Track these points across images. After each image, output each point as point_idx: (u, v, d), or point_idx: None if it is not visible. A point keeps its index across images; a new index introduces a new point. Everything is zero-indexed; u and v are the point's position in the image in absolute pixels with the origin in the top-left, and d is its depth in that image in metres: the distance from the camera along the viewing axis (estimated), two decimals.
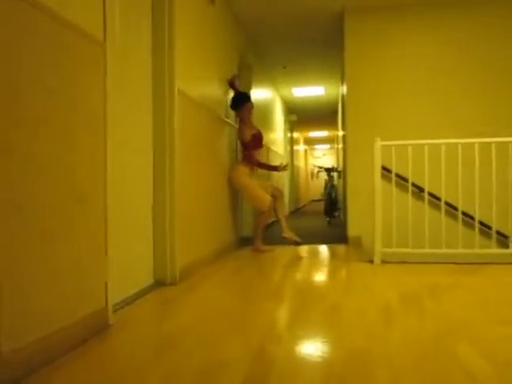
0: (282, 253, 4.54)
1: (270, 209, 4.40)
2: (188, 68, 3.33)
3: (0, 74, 1.44)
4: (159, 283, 2.96)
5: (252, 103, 4.71)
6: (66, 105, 1.79)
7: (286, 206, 5.16)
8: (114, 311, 2.20)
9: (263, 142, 4.82)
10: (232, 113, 4.77)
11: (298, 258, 4.23)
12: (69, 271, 1.80)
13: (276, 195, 4.55)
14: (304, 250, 4.78)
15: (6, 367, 1.44)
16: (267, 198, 4.35)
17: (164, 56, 2.97)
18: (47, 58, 1.68)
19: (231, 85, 4.61)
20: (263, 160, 5.16)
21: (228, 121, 4.58)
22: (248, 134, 4.54)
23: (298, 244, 4.53)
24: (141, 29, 2.82)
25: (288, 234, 4.52)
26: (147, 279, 2.90)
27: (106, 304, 2.08)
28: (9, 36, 1.48)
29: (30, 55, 1.59)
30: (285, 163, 5.07)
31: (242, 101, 4.60)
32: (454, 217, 4.19)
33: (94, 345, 1.85)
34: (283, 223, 4.51)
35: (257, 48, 6.35)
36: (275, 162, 8.38)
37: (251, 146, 4.53)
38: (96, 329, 1.98)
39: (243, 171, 4.47)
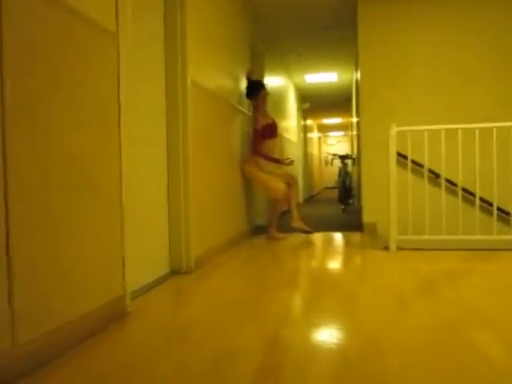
0: (297, 240, 4.55)
1: (284, 197, 4.40)
2: (200, 58, 3.32)
3: (17, 67, 1.46)
4: (175, 272, 2.99)
5: (266, 91, 4.70)
6: (79, 96, 1.80)
7: (299, 194, 5.09)
8: (132, 299, 2.23)
9: (277, 132, 4.78)
10: (246, 101, 4.76)
11: (309, 244, 4.23)
12: (88, 259, 1.83)
13: (290, 183, 4.54)
14: (318, 237, 4.78)
15: (23, 356, 1.47)
16: (281, 187, 4.35)
17: (176, 46, 2.96)
18: (61, 50, 1.69)
19: (248, 79, 4.67)
20: (277, 150, 5.13)
21: (241, 109, 4.57)
22: (261, 123, 4.54)
23: (307, 233, 4.52)
24: (153, 19, 2.82)
25: (297, 223, 4.49)
26: (163, 268, 2.93)
27: (124, 292, 2.12)
28: (26, 30, 1.49)
29: (44, 47, 1.60)
30: (291, 159, 5.00)
31: (256, 89, 4.61)
32: (471, 203, 4.14)
33: (112, 332, 1.88)
34: (294, 212, 4.51)
35: (270, 35, 6.30)
36: (288, 150, 8.37)
37: (261, 134, 4.52)
38: (114, 316, 2.01)
39: (255, 162, 4.46)
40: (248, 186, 4.72)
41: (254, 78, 4.89)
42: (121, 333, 1.89)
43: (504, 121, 3.78)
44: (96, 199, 1.91)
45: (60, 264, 1.66)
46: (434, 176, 4.34)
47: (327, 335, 1.83)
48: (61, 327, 1.64)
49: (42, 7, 1.59)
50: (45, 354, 1.55)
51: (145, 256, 2.64)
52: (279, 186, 4.36)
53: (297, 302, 2.39)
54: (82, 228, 1.81)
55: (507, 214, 4.00)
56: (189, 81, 3.00)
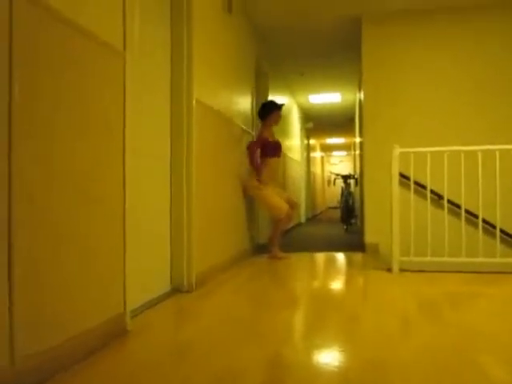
0: (299, 260, 4.52)
1: (287, 216, 4.39)
2: (206, 77, 3.36)
3: (25, 85, 1.47)
4: (176, 290, 2.97)
5: (280, 113, 4.64)
6: (86, 112, 1.82)
7: (292, 220, 5.06)
8: (132, 317, 2.21)
9: (281, 152, 4.76)
10: (251, 121, 4.80)
11: (309, 264, 4.21)
12: (87, 276, 1.82)
13: (291, 205, 4.55)
14: (321, 257, 4.76)
15: (21, 374, 1.45)
16: (284, 206, 4.35)
17: (182, 65, 3.00)
18: (69, 67, 1.71)
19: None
20: (281, 170, 5.17)
21: (246, 129, 4.60)
22: (262, 136, 4.53)
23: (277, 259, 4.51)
24: (159, 38, 2.86)
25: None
26: (164, 286, 2.91)
27: (125, 309, 2.10)
28: (32, 48, 1.52)
29: (53, 62, 1.62)
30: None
31: (270, 108, 4.59)
32: (474, 225, 4.12)
33: (112, 350, 1.86)
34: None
35: (273, 55, 6.38)
36: (292, 169, 8.39)
37: (261, 147, 4.49)
38: (114, 334, 1.99)
39: (257, 179, 4.42)
40: (251, 204, 4.72)
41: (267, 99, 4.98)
42: (121, 351, 1.87)
43: (507, 143, 3.79)
44: (98, 212, 1.91)
45: (60, 279, 1.65)
46: (437, 197, 4.34)
47: (329, 357, 1.80)
48: (60, 345, 1.63)
49: (52, 25, 1.61)
50: (44, 371, 1.53)
51: (146, 273, 2.63)
52: (282, 204, 4.36)
53: (298, 322, 2.37)
54: (83, 243, 1.80)
55: (510, 236, 3.98)
56: (194, 99, 3.03)
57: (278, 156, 4.63)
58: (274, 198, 4.39)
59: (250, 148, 4.44)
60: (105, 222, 1.95)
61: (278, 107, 4.59)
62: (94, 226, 1.87)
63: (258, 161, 4.43)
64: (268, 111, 4.56)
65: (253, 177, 4.47)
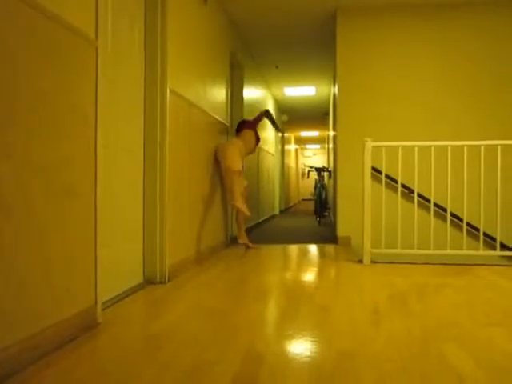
0: (272, 252, 4.56)
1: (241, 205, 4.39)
2: (180, 67, 3.33)
3: None
4: (149, 282, 2.96)
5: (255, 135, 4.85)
6: (57, 102, 1.78)
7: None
8: (103, 309, 2.19)
9: (255, 145, 4.90)
10: (225, 113, 4.79)
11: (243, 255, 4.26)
12: (58, 269, 1.80)
13: (243, 194, 4.60)
14: (294, 249, 4.81)
15: None
16: (240, 198, 4.38)
17: (156, 55, 2.96)
18: (39, 55, 1.67)
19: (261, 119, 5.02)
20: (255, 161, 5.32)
21: (220, 119, 4.58)
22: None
23: (248, 248, 4.65)
24: (133, 28, 2.81)
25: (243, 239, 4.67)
26: (137, 278, 2.89)
27: (96, 302, 2.08)
28: (5, 33, 1.47)
29: (22, 52, 1.58)
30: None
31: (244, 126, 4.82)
32: (443, 218, 4.24)
33: (82, 343, 1.84)
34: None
35: (249, 47, 6.35)
36: (266, 162, 8.41)
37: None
38: (85, 327, 1.97)
39: (239, 148, 4.53)
40: (224, 195, 4.72)
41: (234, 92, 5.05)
42: (91, 345, 1.86)
43: (479, 139, 3.90)
44: (69, 204, 1.88)
45: (28, 272, 1.63)
46: (408, 191, 4.43)
47: (301, 347, 1.83)
48: (27, 338, 1.60)
49: (16, 8, 1.57)
50: (9, 366, 1.50)
51: (118, 265, 2.60)
52: (239, 197, 4.38)
53: (271, 313, 2.39)
54: (53, 235, 1.77)
55: (477, 230, 4.11)
56: (168, 89, 3.00)
57: (256, 143, 4.88)
58: (235, 153, 4.42)
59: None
60: (75, 215, 1.92)
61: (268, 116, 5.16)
62: (64, 219, 1.84)
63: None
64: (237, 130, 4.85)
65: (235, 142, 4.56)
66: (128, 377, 1.53)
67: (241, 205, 4.27)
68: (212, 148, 4.29)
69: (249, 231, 4.87)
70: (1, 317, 1.48)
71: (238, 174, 4.31)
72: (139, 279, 2.92)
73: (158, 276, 2.97)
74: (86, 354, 1.75)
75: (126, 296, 2.61)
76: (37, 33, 1.66)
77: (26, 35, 1.60)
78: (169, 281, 3.01)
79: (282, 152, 12.08)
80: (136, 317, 2.35)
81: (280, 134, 11.31)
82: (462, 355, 1.70)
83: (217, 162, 4.40)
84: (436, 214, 4.09)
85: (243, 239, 4.61)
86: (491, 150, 3.79)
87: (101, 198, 2.10)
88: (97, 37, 2.07)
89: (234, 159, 4.31)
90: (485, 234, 4.09)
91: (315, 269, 3.66)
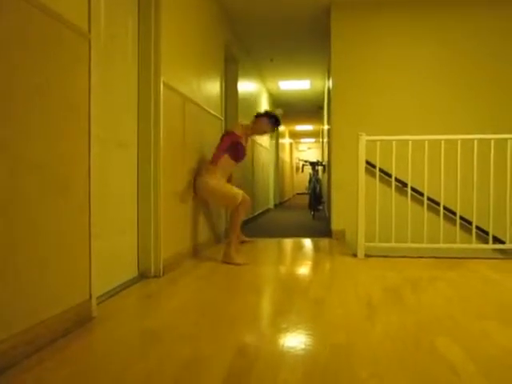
0: (267, 246, 4.57)
1: (244, 201, 3.77)
2: (174, 61, 3.31)
3: None
4: (143, 276, 2.96)
5: (268, 124, 4.01)
6: (50, 96, 1.77)
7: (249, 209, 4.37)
8: (98, 303, 2.19)
9: (241, 160, 4.08)
10: (220, 106, 4.77)
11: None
12: (52, 263, 1.79)
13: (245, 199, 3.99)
14: (288, 243, 4.82)
15: None
16: (238, 191, 3.78)
17: (150, 48, 2.94)
18: (31, 49, 1.65)
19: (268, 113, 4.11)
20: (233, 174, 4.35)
21: (215, 114, 4.56)
22: (238, 135, 3.91)
23: (243, 242, 4.39)
24: (127, 21, 2.79)
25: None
26: (131, 272, 2.89)
27: (90, 296, 2.08)
28: None
29: (13, 45, 1.56)
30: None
31: (263, 115, 4.03)
32: (436, 212, 4.26)
33: (77, 337, 1.84)
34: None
35: (243, 41, 6.33)
36: (261, 156, 8.41)
37: (226, 147, 3.85)
38: (79, 321, 1.97)
39: (215, 173, 3.82)
40: None
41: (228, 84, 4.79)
42: (85, 339, 1.86)
43: (473, 132, 3.92)
44: (63, 199, 1.87)
45: (23, 267, 1.62)
46: (401, 185, 4.45)
47: (295, 341, 1.84)
48: (22, 332, 1.60)
49: (8, 0, 1.55)
50: (7, 359, 1.50)
51: (112, 259, 2.60)
52: (236, 190, 3.79)
53: (265, 306, 2.40)
54: (47, 230, 1.77)
55: (470, 223, 4.13)
56: (161, 82, 2.98)
57: (236, 161, 4.07)
58: (225, 186, 3.84)
59: (218, 153, 3.84)
60: (69, 210, 1.91)
61: (272, 119, 4.03)
62: (58, 214, 1.83)
63: (220, 163, 3.84)
64: (260, 115, 4.04)
65: (210, 169, 3.90)
66: (122, 371, 1.54)
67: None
68: (206, 142, 4.28)
69: (243, 225, 4.86)
70: (3, 308, 1.47)
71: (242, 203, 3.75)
72: (134, 273, 2.92)
73: (152, 270, 2.97)
74: (81, 348, 1.75)
75: (121, 290, 2.61)
76: (29, 26, 1.64)
77: (18, 28, 1.59)
78: (163, 275, 3.01)
79: (277, 146, 12.07)
80: (130, 311, 2.35)
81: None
82: (455, 348, 1.72)
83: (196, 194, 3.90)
84: (429, 208, 4.11)
85: (240, 236, 4.38)
86: (484, 143, 3.81)
87: (95, 193, 2.09)
88: (90, 30, 2.05)
89: (231, 191, 3.74)
90: (477, 228, 4.12)
91: (310, 262, 3.67)
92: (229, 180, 4.09)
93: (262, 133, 4.14)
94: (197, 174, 3.88)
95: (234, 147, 3.87)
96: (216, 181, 3.78)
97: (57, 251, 1.82)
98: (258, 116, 4.04)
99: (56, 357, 1.64)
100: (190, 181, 3.74)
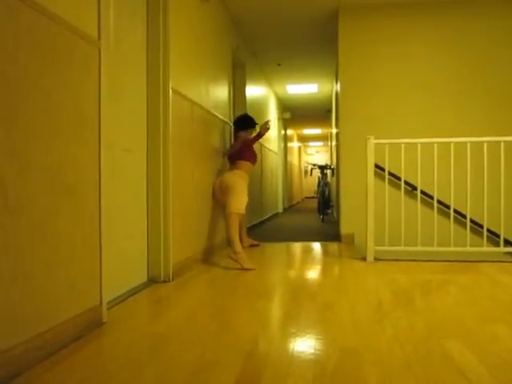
0: (276, 250, 4.56)
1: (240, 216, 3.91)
2: (182, 66, 3.34)
3: None
4: (153, 281, 2.97)
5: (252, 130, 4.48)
6: (60, 103, 1.79)
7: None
8: (108, 309, 2.21)
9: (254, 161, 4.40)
10: (228, 112, 4.79)
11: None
12: (63, 268, 1.81)
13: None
14: (297, 247, 4.81)
15: None
16: (244, 203, 3.94)
17: (158, 55, 2.97)
18: (42, 57, 1.68)
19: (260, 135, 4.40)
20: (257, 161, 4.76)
21: (223, 119, 4.58)
22: (249, 140, 4.36)
23: (252, 246, 4.61)
24: (135, 27, 2.82)
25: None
26: (141, 277, 2.90)
27: (101, 302, 2.09)
28: (6, 36, 1.48)
29: (25, 53, 1.59)
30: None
31: (251, 125, 4.47)
32: (446, 215, 4.22)
33: (88, 342, 1.85)
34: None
35: (251, 45, 6.35)
36: (269, 160, 8.42)
37: (246, 147, 4.29)
38: (90, 326, 1.98)
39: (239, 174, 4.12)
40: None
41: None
42: (96, 344, 1.87)
43: (478, 135, 3.89)
44: (74, 205, 1.89)
45: (35, 271, 1.64)
46: (411, 188, 4.43)
47: (305, 345, 1.84)
48: (34, 338, 1.61)
49: (17, 9, 1.57)
50: (17, 365, 1.52)
51: (122, 264, 2.62)
52: (245, 201, 3.96)
53: (275, 311, 2.40)
54: (59, 235, 1.78)
55: (480, 226, 4.10)
56: (170, 88, 3.00)
57: (253, 163, 4.38)
58: (244, 190, 3.99)
59: (244, 143, 4.25)
60: (79, 215, 1.93)
61: (254, 126, 4.51)
62: (68, 220, 1.85)
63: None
64: (244, 127, 4.44)
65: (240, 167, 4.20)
66: (132, 376, 1.54)
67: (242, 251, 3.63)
68: (215, 147, 4.30)
69: (252, 230, 4.86)
70: (7, 317, 1.49)
71: (241, 215, 3.90)
72: (143, 278, 2.93)
73: (162, 275, 2.98)
74: (92, 353, 1.76)
75: (131, 295, 2.62)
76: (39, 35, 1.67)
77: (28, 37, 1.61)
78: (173, 279, 3.02)
79: (285, 150, 12.08)
80: (141, 316, 2.36)
81: (283, 132, 11.31)
82: (466, 352, 1.70)
83: (215, 196, 4.13)
84: (439, 211, 4.09)
85: (246, 242, 4.48)
86: (494, 146, 3.78)
87: (105, 198, 2.11)
88: (99, 37, 2.08)
89: (241, 199, 3.87)
90: (488, 231, 4.08)
91: (319, 266, 3.66)
92: None
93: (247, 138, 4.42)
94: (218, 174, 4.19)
95: (251, 151, 4.28)
96: (237, 177, 4.02)
97: (68, 256, 1.84)
98: (242, 128, 4.43)
99: (67, 361, 1.65)
100: (199, 185, 3.75)
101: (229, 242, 3.80)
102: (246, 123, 4.48)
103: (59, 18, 1.77)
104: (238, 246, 3.56)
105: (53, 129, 1.75)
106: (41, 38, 1.67)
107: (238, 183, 3.95)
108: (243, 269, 3.42)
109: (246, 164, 4.24)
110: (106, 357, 1.74)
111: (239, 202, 3.77)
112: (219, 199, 4.16)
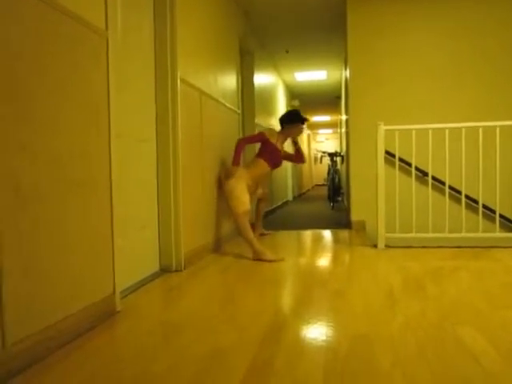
0: (286, 238, 4.57)
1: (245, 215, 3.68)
2: (190, 56, 3.32)
3: (4, 68, 1.45)
4: (165, 270, 3.00)
5: (302, 127, 4.18)
6: (69, 94, 1.80)
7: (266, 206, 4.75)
8: (122, 298, 2.23)
9: (277, 167, 4.22)
10: (236, 100, 4.77)
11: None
12: (76, 259, 1.83)
13: (263, 198, 4.55)
14: (308, 234, 4.81)
15: (11, 358, 1.47)
16: (247, 201, 3.76)
17: (166, 44, 2.96)
18: (50, 48, 1.68)
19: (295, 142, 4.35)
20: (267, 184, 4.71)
21: (232, 107, 4.57)
22: (267, 138, 4.04)
23: (262, 235, 4.65)
24: (142, 18, 2.81)
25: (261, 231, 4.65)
26: (153, 266, 2.93)
27: (114, 291, 2.12)
28: (10, 26, 1.49)
29: (33, 46, 1.59)
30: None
31: (292, 120, 4.14)
32: (458, 201, 4.20)
33: (101, 332, 1.88)
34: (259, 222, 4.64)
35: (259, 33, 6.30)
36: None
37: (263, 148, 4.08)
38: (104, 315, 2.01)
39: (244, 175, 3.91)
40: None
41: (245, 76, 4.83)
42: (110, 333, 1.90)
43: (489, 120, 3.84)
44: (85, 196, 1.90)
45: (49, 263, 1.66)
46: (422, 174, 4.39)
47: (317, 332, 1.85)
48: (49, 327, 1.65)
49: (26, 1, 1.58)
50: (33, 354, 1.56)
51: (134, 254, 2.64)
52: (246, 199, 3.76)
53: (287, 299, 2.41)
54: (71, 226, 1.80)
55: (493, 211, 4.06)
56: (178, 78, 3.00)
57: (272, 167, 4.13)
58: (242, 190, 3.79)
59: (239, 141, 3.95)
60: (91, 205, 1.95)
61: (302, 121, 4.14)
62: (81, 211, 1.86)
63: (240, 152, 3.89)
64: (289, 121, 4.13)
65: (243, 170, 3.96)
66: (146, 364, 1.57)
67: (261, 247, 3.53)
68: (224, 136, 4.29)
69: (263, 218, 4.87)
70: (23, 307, 1.52)
71: (248, 212, 3.73)
72: (155, 268, 2.96)
73: (173, 264, 3.01)
74: (106, 341, 1.79)
75: (143, 285, 2.65)
76: (47, 26, 1.67)
77: (37, 28, 1.61)
78: (185, 269, 3.04)
79: None
80: (153, 305, 2.39)
81: None
82: (478, 338, 1.70)
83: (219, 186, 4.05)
84: (451, 197, 4.06)
85: (258, 231, 4.55)
86: (507, 131, 3.73)
87: (116, 188, 2.13)
88: (107, 27, 2.08)
89: (242, 199, 3.73)
90: (501, 216, 4.04)
91: (330, 254, 3.66)
92: (257, 186, 4.23)
93: (295, 137, 4.27)
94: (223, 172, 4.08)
95: (269, 151, 4.05)
96: (233, 182, 3.77)
97: (80, 246, 1.86)
98: (287, 122, 4.14)
99: (82, 351, 1.68)
100: (208, 174, 3.76)
101: (239, 233, 3.80)
102: (290, 116, 4.18)
103: (67, 10, 1.77)
104: (255, 245, 3.48)
105: (63, 120, 1.76)
106: (49, 29, 1.68)
107: (235, 187, 3.76)
108: (270, 261, 3.37)
109: (259, 163, 4.03)
110: (120, 345, 1.77)
111: (241, 202, 3.72)
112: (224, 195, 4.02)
